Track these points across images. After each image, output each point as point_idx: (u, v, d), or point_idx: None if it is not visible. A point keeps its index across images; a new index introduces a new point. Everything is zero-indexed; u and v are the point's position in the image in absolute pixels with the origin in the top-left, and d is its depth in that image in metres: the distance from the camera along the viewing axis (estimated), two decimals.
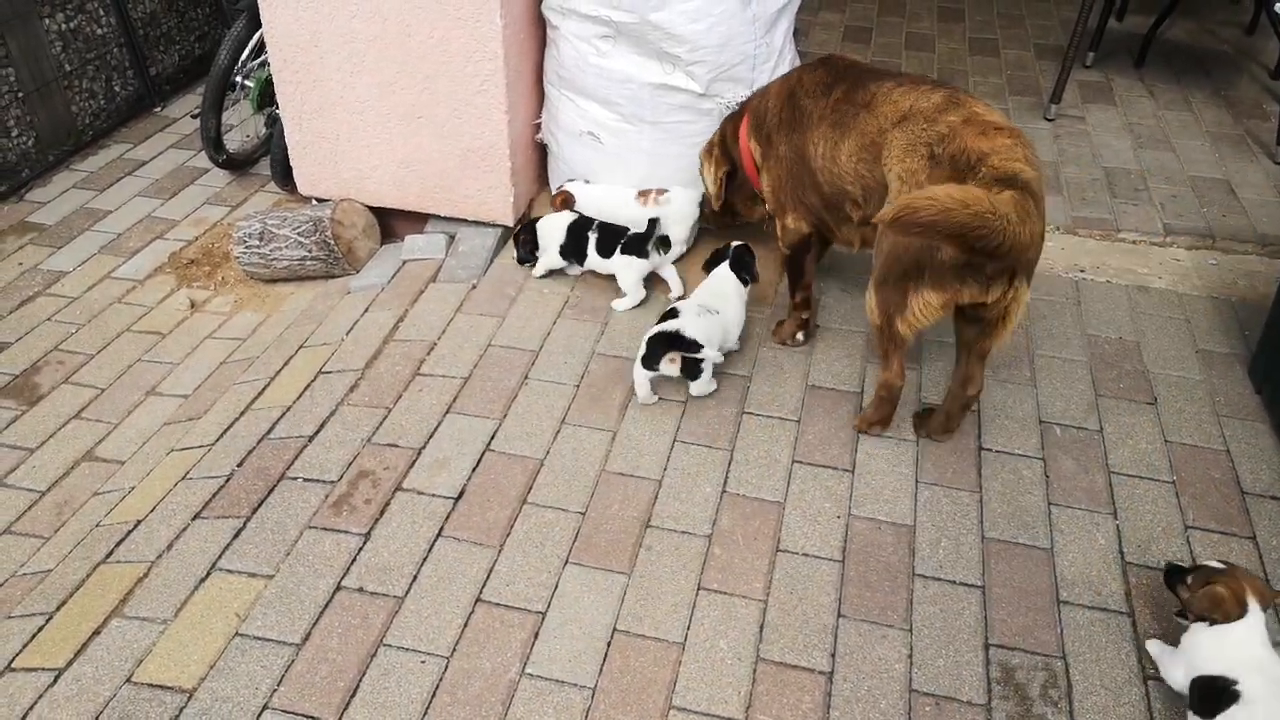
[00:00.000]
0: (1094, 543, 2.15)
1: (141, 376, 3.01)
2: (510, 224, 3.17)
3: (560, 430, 2.46)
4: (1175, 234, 3.19)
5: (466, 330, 2.80)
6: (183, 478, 2.42)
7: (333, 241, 3.15)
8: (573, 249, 2.89)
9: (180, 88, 4.72)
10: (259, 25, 3.72)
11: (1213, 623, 1.74)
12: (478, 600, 2.03)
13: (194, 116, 4.04)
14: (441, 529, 2.19)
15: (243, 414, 2.62)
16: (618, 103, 2.89)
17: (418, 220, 3.31)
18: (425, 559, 2.12)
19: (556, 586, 2.06)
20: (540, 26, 3.05)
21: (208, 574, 2.11)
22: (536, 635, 1.96)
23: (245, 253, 3.26)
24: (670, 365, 2.43)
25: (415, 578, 2.08)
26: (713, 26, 2.71)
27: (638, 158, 2.98)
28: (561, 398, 2.56)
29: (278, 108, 3.69)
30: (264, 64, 3.83)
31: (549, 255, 2.93)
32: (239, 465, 2.40)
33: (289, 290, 3.31)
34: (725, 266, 2.67)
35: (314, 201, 3.37)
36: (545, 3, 2.94)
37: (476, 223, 3.21)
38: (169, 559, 2.16)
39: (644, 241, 2.80)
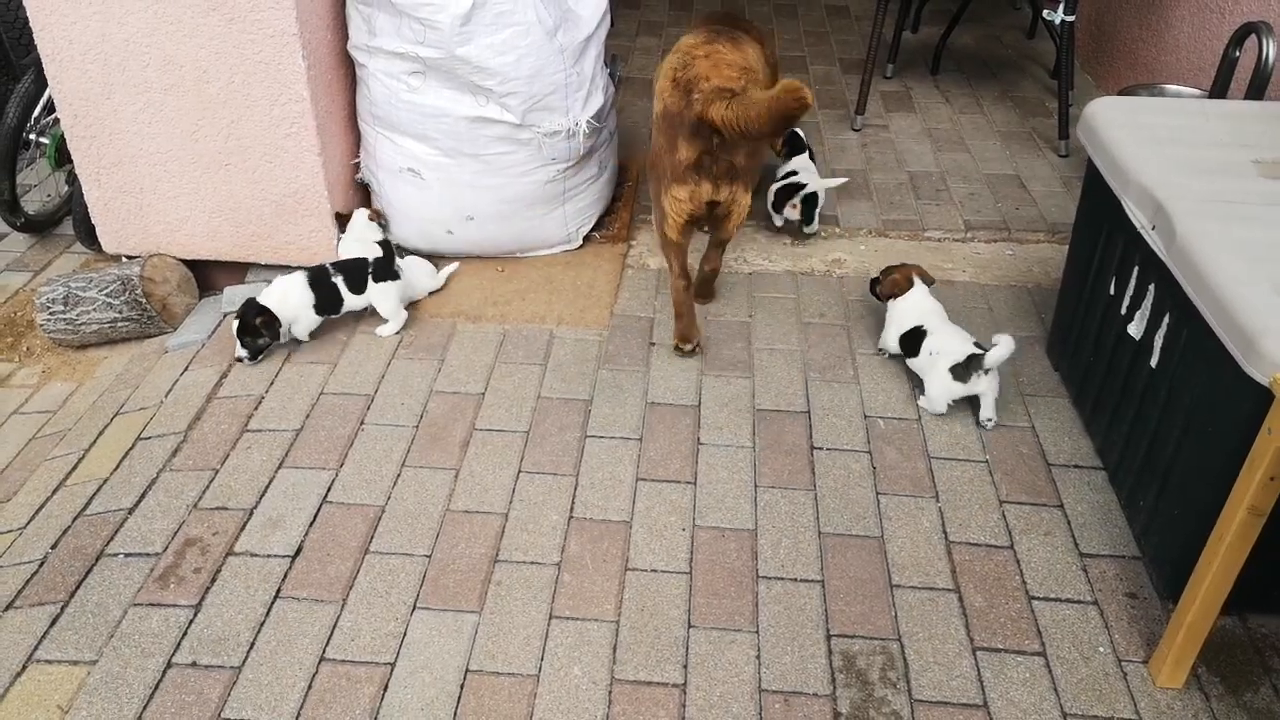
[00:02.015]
0: (919, 526, 2.27)
1: None
2: None
3: (400, 474, 2.41)
4: (975, 229, 3.43)
5: (296, 380, 2.72)
6: None
7: (144, 300, 2.99)
8: (326, 301, 2.82)
9: None
10: None
11: (895, 297, 2.73)
12: (321, 659, 1.97)
13: None
14: (279, 590, 2.11)
15: (55, 491, 2.45)
16: (435, 137, 2.88)
17: (238, 270, 3.20)
18: (263, 623, 2.03)
19: (405, 634, 2.02)
20: (348, 65, 3.00)
21: (24, 668, 1.96)
22: (386, 688, 1.92)
23: (50, 319, 3.06)
24: (792, 210, 3.25)
25: (253, 645, 1.99)
26: (521, 58, 2.74)
27: (460, 191, 2.97)
28: (400, 440, 2.51)
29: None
30: (59, 119, 3.63)
31: (304, 321, 2.81)
32: (53, 547, 2.25)
33: (102, 355, 3.12)
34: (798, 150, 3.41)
35: (123, 259, 3.20)
36: (350, 42, 2.91)
37: (300, 268, 3.12)
38: None
39: (390, 262, 2.84)
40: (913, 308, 2.70)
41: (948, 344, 2.56)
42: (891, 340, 2.73)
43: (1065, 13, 3.75)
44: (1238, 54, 2.98)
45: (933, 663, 1.97)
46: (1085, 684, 1.93)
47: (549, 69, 2.80)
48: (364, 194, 3.23)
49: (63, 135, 3.58)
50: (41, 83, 3.50)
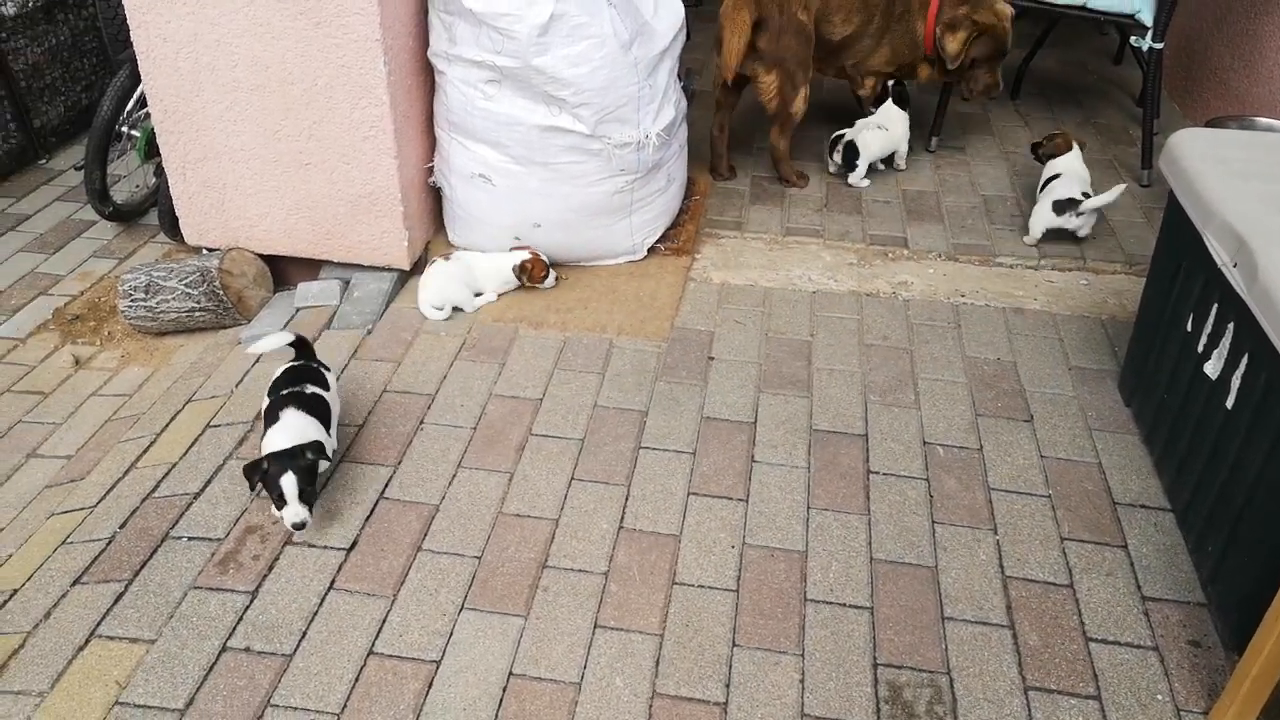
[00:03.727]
0: (975, 559, 2.22)
1: (22, 438, 2.89)
2: (406, 267, 3.16)
3: (456, 474, 2.45)
4: (1049, 257, 3.35)
5: (360, 378, 2.78)
6: (62, 542, 2.33)
7: (221, 291, 3.09)
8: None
9: (67, 139, 4.59)
10: None
11: (1055, 157, 3.43)
12: (370, 653, 2.00)
13: (78, 168, 3.93)
14: (333, 582, 2.15)
15: (126, 473, 2.54)
16: (507, 145, 2.92)
17: (311, 266, 3.28)
18: (315, 614, 2.08)
19: (451, 634, 2.04)
20: (428, 71, 3.07)
21: (86, 642, 2.03)
22: (430, 685, 1.94)
23: (131, 306, 3.18)
24: (833, 159, 3.77)
25: (305, 634, 2.04)
26: (595, 70, 2.76)
27: (529, 198, 3.01)
28: (458, 441, 2.55)
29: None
30: (149, 114, 3.77)
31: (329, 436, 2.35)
32: (121, 527, 2.33)
33: (178, 343, 3.23)
34: (889, 101, 3.74)
35: (203, 251, 3.31)
36: (431, 49, 2.97)
37: (371, 268, 3.19)
38: (46, 628, 2.07)
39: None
40: (1067, 165, 3.36)
41: (1064, 186, 3.28)
42: (1045, 211, 3.32)
43: (1154, 40, 3.65)
44: None
45: (982, 699, 1.93)
46: None
47: (622, 81, 2.82)
48: (436, 197, 3.28)
49: (153, 129, 3.75)
50: (136, 78, 3.63)
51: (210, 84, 2.93)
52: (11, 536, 2.49)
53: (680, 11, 3.10)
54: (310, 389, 2.37)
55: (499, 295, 3.10)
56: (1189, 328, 2.29)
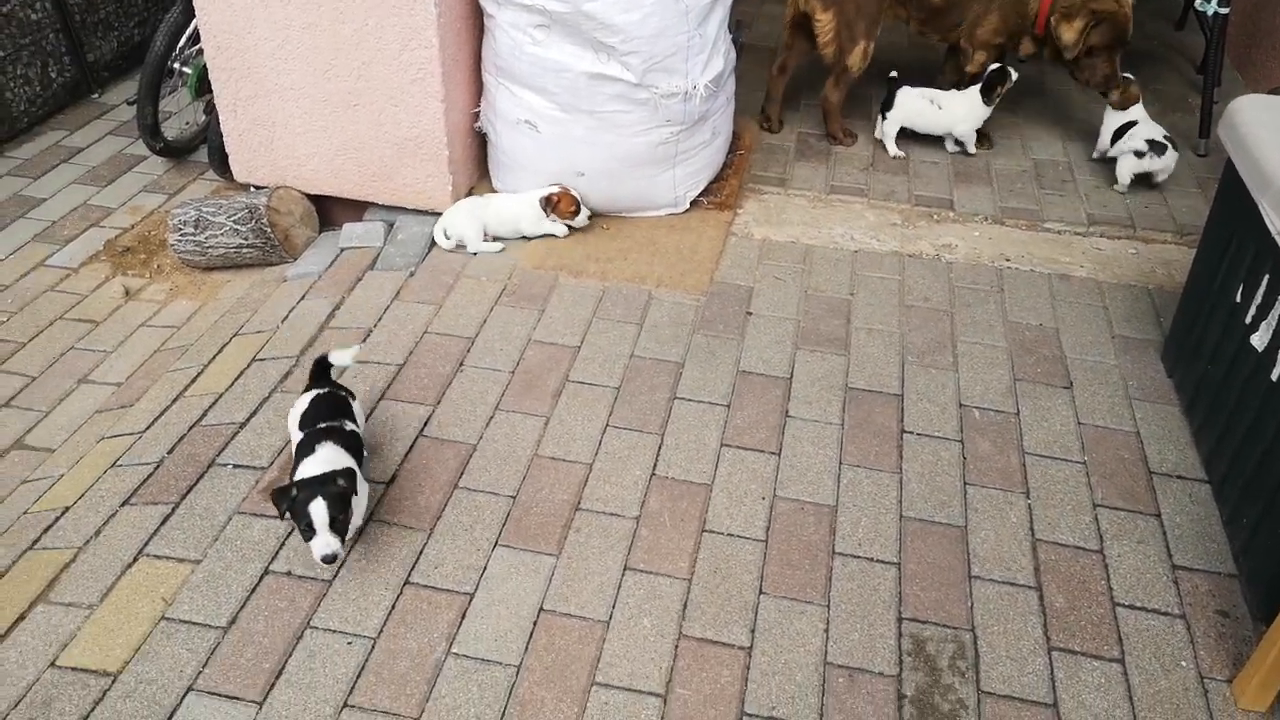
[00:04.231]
0: (1006, 521, 2.23)
1: (74, 364, 2.98)
2: None
3: (494, 416, 2.49)
4: (1098, 223, 3.30)
5: (403, 318, 2.82)
6: (112, 465, 2.41)
7: (269, 229, 3.14)
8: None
9: (119, 74, 4.66)
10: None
11: (1125, 107, 3.48)
12: (406, 583, 2.06)
13: (130, 103, 3.99)
14: (373, 514, 2.21)
15: (175, 401, 2.61)
16: (554, 92, 2.92)
17: (357, 208, 3.32)
18: (355, 543, 2.14)
19: (485, 568, 2.10)
20: (478, 15, 3.06)
21: (135, 559, 2.11)
22: (464, 615, 2.00)
23: (180, 240, 3.24)
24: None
25: (344, 562, 2.10)
26: (646, 18, 2.74)
27: (574, 146, 3.01)
28: (496, 384, 2.59)
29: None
30: (201, 51, 3.80)
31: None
32: (169, 452, 2.40)
33: (225, 278, 3.29)
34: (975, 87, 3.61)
35: (251, 189, 3.35)
36: None
37: (415, 211, 3.22)
38: (96, 545, 2.16)
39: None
40: (1140, 112, 3.46)
41: (1145, 130, 3.38)
42: (1106, 139, 3.53)
43: (1219, 4, 3.54)
44: None
45: (1005, 657, 1.95)
46: (1162, 696, 1.88)
47: (672, 30, 2.80)
48: (481, 143, 3.29)
49: (204, 66, 3.78)
50: (189, 14, 3.66)
51: (263, 21, 2.95)
52: (63, 457, 2.58)
53: None
54: (349, 426, 2.17)
55: (533, 238, 3.12)
56: (1238, 299, 2.26)
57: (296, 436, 2.14)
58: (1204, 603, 2.06)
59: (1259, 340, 2.14)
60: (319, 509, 1.89)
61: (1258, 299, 2.15)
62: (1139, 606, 2.05)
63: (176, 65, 3.75)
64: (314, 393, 2.23)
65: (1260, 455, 2.08)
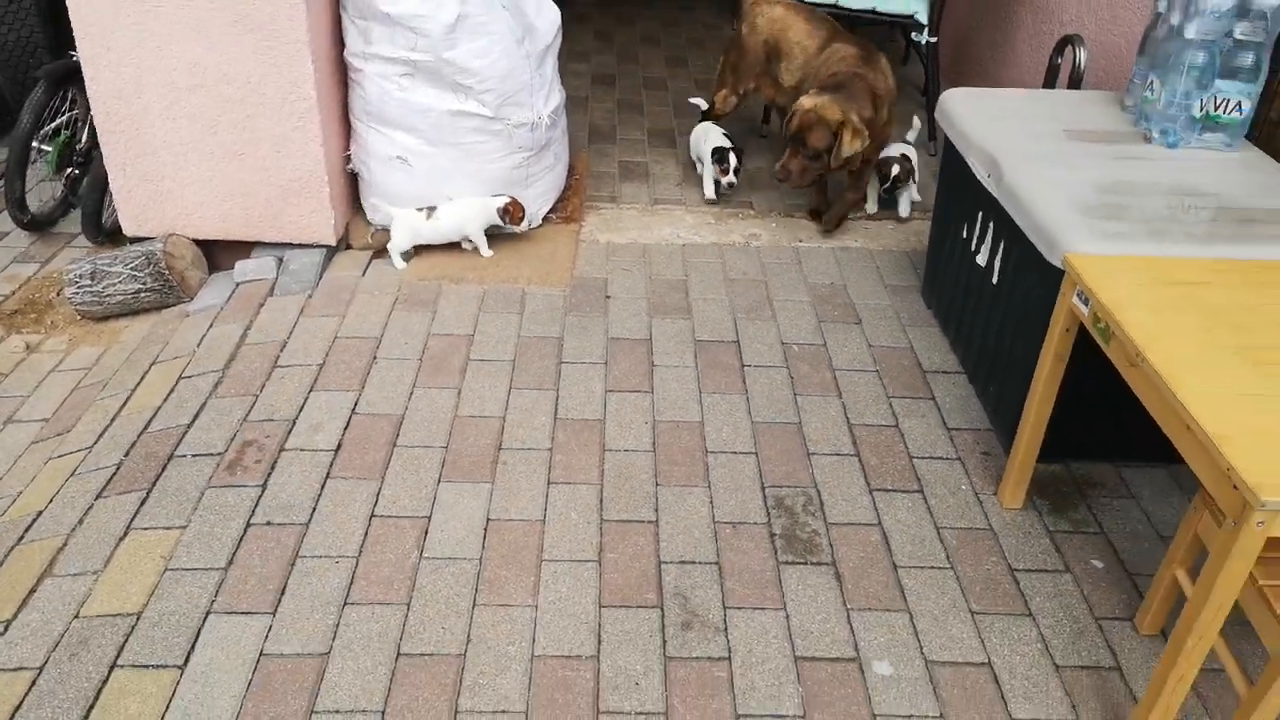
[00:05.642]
0: (828, 415, 2.93)
1: None
2: (332, 243, 3.63)
3: (413, 392, 2.96)
4: (862, 214, 4.16)
5: (313, 329, 3.24)
6: (71, 474, 2.69)
7: (167, 272, 3.47)
8: None
9: None
10: (56, 91, 3.98)
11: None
12: (372, 516, 2.50)
13: None
14: (328, 472, 2.63)
15: (113, 420, 2.91)
16: (421, 129, 3.46)
17: (242, 249, 3.69)
18: (320, 495, 2.55)
19: (435, 497, 2.56)
20: (341, 69, 3.56)
21: (125, 534, 2.43)
22: (426, 532, 2.46)
23: (78, 293, 3.50)
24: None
25: (314, 509, 2.51)
26: (495, 61, 3.35)
27: (442, 175, 3.55)
28: (409, 369, 3.06)
29: (75, 170, 4.01)
30: (58, 130, 4.08)
31: None
32: (125, 455, 2.71)
33: (123, 324, 3.56)
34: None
35: (128, 245, 3.65)
36: (348, 50, 3.47)
37: (301, 245, 3.64)
38: (83, 531, 2.45)
39: None
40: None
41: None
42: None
43: (929, 35, 4.57)
44: (1059, 61, 3.79)
45: (840, 499, 2.62)
46: (953, 509, 2.60)
47: (518, 70, 3.42)
48: (353, 181, 3.77)
49: (64, 143, 4.06)
50: (49, 93, 3.94)
51: (151, 85, 3.32)
52: (14, 481, 2.81)
53: (556, 13, 3.72)
54: None
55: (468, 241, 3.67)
56: (964, 234, 3.09)
57: None
58: (971, 449, 2.82)
59: (982, 259, 2.96)
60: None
61: (977, 229, 2.99)
62: (927, 456, 2.78)
63: (37, 145, 3.99)
64: None
65: (993, 342, 2.89)
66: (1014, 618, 2.30)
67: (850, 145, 3.52)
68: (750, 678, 2.13)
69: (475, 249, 3.64)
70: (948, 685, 2.13)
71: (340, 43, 3.51)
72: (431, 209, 3.54)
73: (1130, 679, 2.17)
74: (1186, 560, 2.12)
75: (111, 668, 2.09)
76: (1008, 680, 2.15)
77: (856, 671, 2.15)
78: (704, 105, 4.45)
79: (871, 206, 4.17)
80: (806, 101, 3.53)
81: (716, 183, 4.07)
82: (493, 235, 3.76)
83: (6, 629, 2.19)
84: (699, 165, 4.26)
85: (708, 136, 4.14)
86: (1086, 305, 2.18)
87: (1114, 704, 2.11)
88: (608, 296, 3.47)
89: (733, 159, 3.99)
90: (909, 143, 4.20)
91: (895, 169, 3.95)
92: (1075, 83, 3.65)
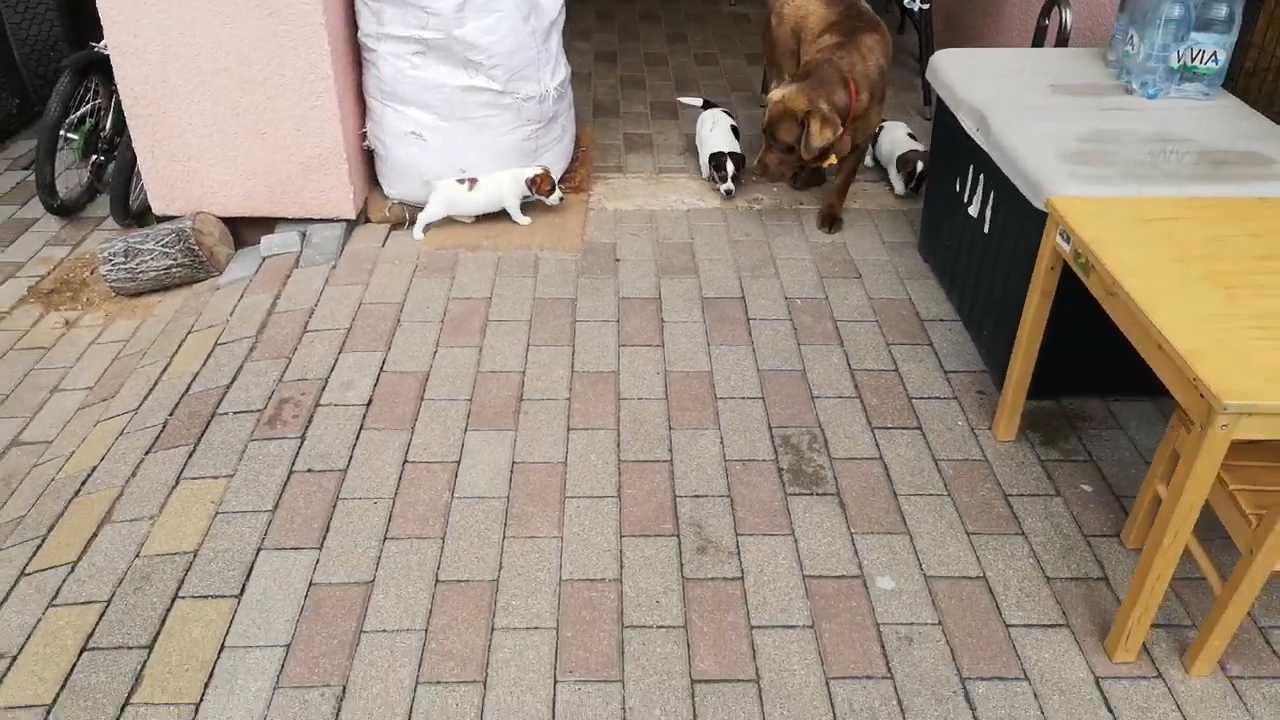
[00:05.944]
0: (830, 362, 3.09)
1: (40, 381, 3.36)
2: (352, 217, 3.79)
3: (437, 351, 3.12)
4: (865, 171, 4.31)
5: (339, 297, 3.40)
6: (120, 434, 2.87)
7: (197, 248, 3.64)
8: None
9: None
10: (81, 80, 4.15)
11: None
12: (405, 462, 2.67)
13: (25, 168, 4.32)
14: (362, 424, 2.80)
15: (155, 385, 3.08)
16: (434, 105, 3.61)
17: (265, 225, 3.85)
18: (355, 444, 2.72)
19: (463, 444, 2.74)
20: (356, 50, 3.72)
21: (176, 483, 2.61)
22: (456, 475, 2.63)
23: (112, 270, 3.67)
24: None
25: (351, 457, 2.68)
26: (503, 38, 3.50)
27: (456, 149, 3.70)
28: (431, 330, 3.22)
29: (101, 156, 4.18)
30: (83, 119, 4.25)
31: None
32: (170, 414, 2.89)
33: (156, 299, 3.74)
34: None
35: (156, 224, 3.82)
36: (361, 31, 3.62)
37: (322, 220, 3.80)
38: (136, 482, 2.63)
39: None
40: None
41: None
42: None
43: (922, 3, 4.70)
44: (1046, 22, 3.93)
45: (844, 437, 2.78)
46: (949, 443, 2.76)
47: (525, 46, 3.57)
48: (370, 158, 3.93)
49: (90, 130, 4.24)
50: (75, 83, 4.11)
51: (176, 70, 3.48)
52: (65, 444, 2.99)
53: None
54: None
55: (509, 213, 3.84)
56: (957, 188, 3.24)
57: None
58: (967, 388, 2.98)
59: (974, 210, 3.11)
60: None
61: (968, 182, 3.14)
62: (926, 396, 2.94)
63: (64, 133, 4.16)
64: None
65: (986, 288, 3.04)
66: (1007, 537, 2.46)
67: (820, 135, 3.38)
68: (762, 594, 2.30)
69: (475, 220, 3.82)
70: (945, 597, 2.30)
71: (354, 24, 3.66)
72: (473, 180, 3.70)
73: (1117, 588, 2.33)
74: (1166, 476, 2.28)
75: (174, 599, 2.27)
76: (1001, 591, 2.31)
77: (860, 587, 2.32)
78: (698, 104, 4.54)
79: (900, 189, 4.15)
80: (775, 93, 3.49)
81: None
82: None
83: (74, 569, 2.37)
84: (700, 149, 4.34)
85: (714, 129, 4.20)
86: (1068, 243, 2.33)
87: (1101, 610, 2.27)
88: (617, 259, 3.63)
89: (730, 166, 4.00)
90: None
91: (920, 166, 3.95)
92: (1062, 43, 3.78)
